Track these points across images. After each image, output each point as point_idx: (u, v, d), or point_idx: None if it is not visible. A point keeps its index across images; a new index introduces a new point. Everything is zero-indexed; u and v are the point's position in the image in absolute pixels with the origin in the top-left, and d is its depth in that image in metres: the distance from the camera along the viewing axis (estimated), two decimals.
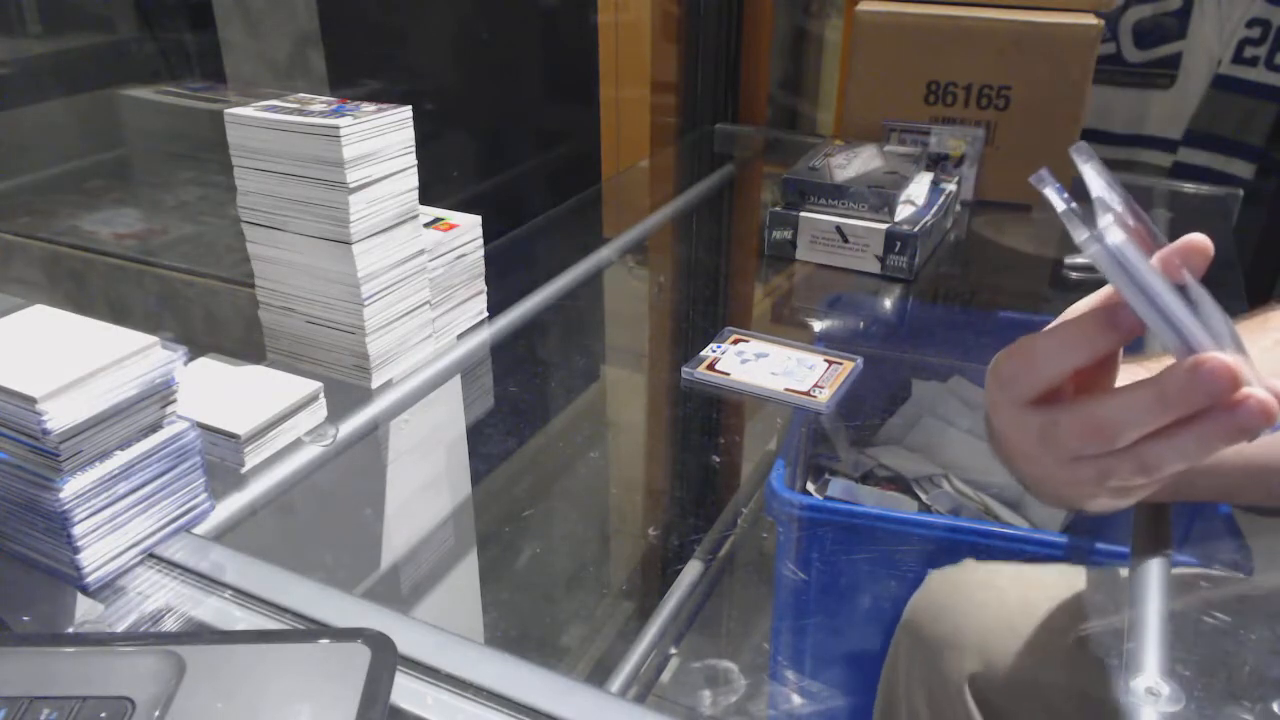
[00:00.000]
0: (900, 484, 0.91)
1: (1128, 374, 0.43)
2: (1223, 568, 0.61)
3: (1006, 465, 0.46)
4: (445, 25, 1.16)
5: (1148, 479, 0.39)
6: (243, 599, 0.49)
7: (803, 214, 1.05)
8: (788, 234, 1.06)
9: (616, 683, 0.75)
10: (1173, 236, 0.39)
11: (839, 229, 1.03)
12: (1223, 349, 0.35)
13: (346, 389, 0.71)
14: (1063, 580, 0.60)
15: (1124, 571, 0.58)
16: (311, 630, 0.47)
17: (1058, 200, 0.37)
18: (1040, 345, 0.40)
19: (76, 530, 0.48)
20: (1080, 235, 0.36)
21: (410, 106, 0.69)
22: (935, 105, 1.16)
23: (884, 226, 1.01)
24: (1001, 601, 0.57)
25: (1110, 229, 0.35)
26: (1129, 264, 0.35)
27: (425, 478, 0.79)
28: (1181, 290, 0.37)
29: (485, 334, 0.84)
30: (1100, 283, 0.40)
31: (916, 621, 0.59)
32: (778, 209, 1.06)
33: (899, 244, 1.01)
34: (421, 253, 0.74)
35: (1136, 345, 0.42)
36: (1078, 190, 0.39)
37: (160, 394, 0.51)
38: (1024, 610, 0.56)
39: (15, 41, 1.13)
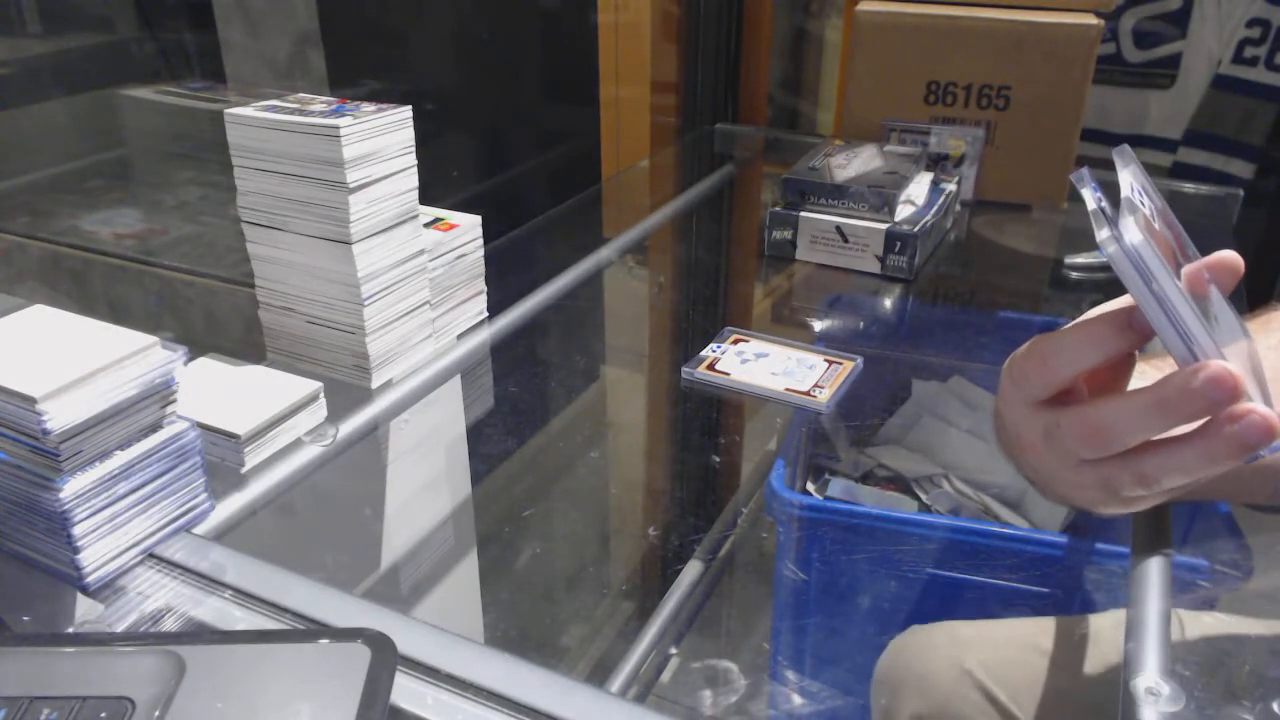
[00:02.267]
0: (900, 484, 0.91)
1: (1140, 375, 0.43)
2: (1223, 567, 0.61)
3: (1013, 461, 0.46)
4: (445, 25, 1.16)
5: (1148, 491, 0.39)
6: (243, 599, 0.49)
7: (803, 214, 1.05)
8: (788, 234, 1.06)
9: (616, 683, 0.75)
10: None
11: (839, 229, 1.03)
12: (1230, 364, 0.35)
13: (346, 389, 0.71)
14: (990, 635, 0.63)
15: (1049, 623, 0.61)
16: (311, 630, 0.47)
17: (1090, 199, 0.37)
18: (1054, 345, 0.40)
19: (76, 530, 0.48)
20: (1101, 234, 0.36)
21: (410, 106, 0.69)
22: (935, 105, 1.16)
23: (884, 226, 1.01)
24: (938, 656, 0.63)
25: (1129, 229, 0.35)
26: (1143, 266, 0.35)
27: (425, 478, 0.79)
28: (1202, 303, 0.37)
29: (485, 334, 0.84)
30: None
31: (879, 675, 0.65)
32: (778, 209, 1.06)
33: (899, 244, 1.01)
34: (421, 253, 0.74)
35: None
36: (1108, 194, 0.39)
37: (160, 394, 0.51)
38: (949, 664, 0.61)
39: (15, 41, 1.13)
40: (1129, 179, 0.39)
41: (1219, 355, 0.35)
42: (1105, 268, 0.99)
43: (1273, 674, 0.52)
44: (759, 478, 0.92)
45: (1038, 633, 0.61)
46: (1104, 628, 0.60)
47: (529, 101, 1.33)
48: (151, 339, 0.51)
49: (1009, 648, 0.61)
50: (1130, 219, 0.36)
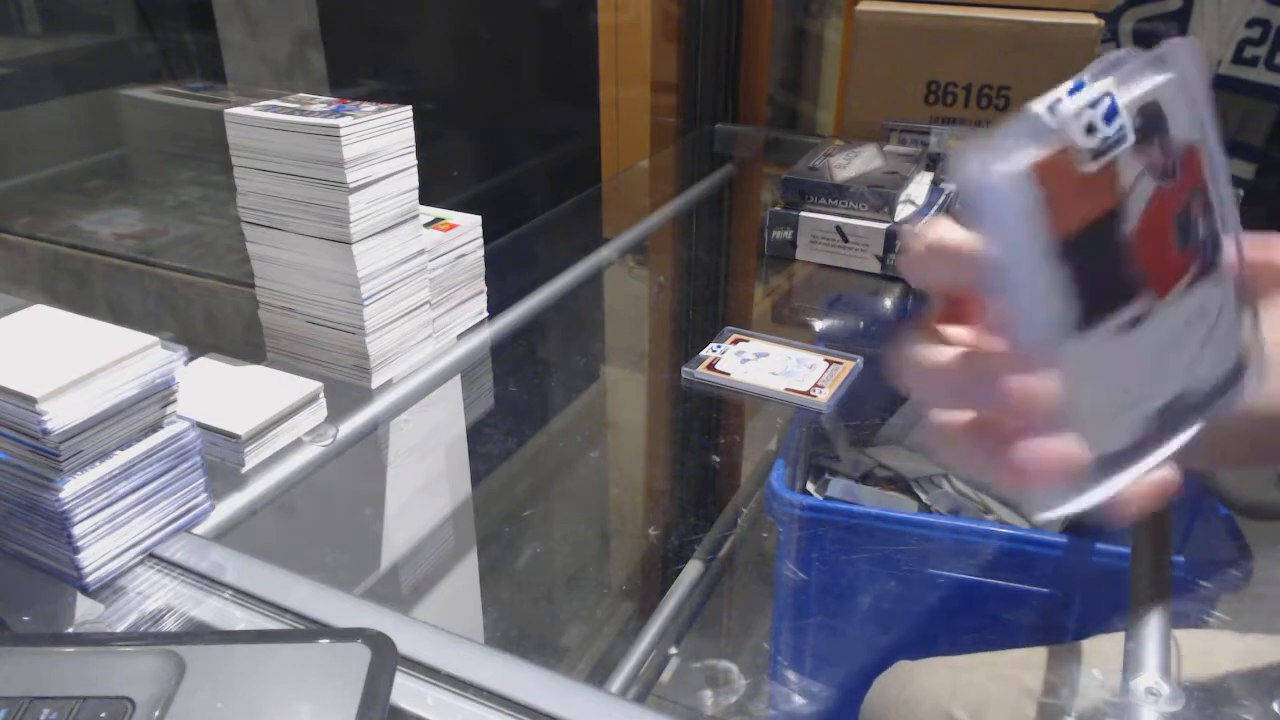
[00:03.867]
0: (900, 484, 0.91)
1: None
2: (1223, 567, 0.61)
3: None
4: (445, 25, 1.16)
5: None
6: (243, 599, 0.49)
7: (803, 214, 1.05)
8: (788, 234, 1.06)
9: (616, 683, 0.75)
10: None
11: (839, 229, 1.03)
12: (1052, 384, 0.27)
13: (346, 389, 0.71)
14: (975, 670, 0.63)
15: (1038, 654, 0.61)
16: (311, 630, 0.47)
17: (1043, 109, 0.26)
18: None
19: (76, 530, 0.48)
20: (972, 158, 0.25)
21: (410, 106, 0.69)
22: (935, 105, 1.16)
23: (884, 226, 1.01)
24: (920, 696, 0.63)
25: (1007, 155, 0.25)
26: (995, 211, 0.25)
27: (425, 478, 0.79)
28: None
29: (485, 334, 0.84)
30: None
31: (864, 712, 0.66)
32: (778, 209, 1.06)
33: (899, 244, 1.01)
34: (421, 253, 0.74)
35: None
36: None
37: (160, 394, 0.51)
38: (931, 704, 0.61)
39: (15, 41, 1.13)
40: (1141, 89, 0.26)
41: (1053, 363, 0.26)
42: None
43: (1272, 675, 0.52)
44: (759, 478, 0.92)
45: (1024, 663, 0.61)
46: (1092, 653, 0.59)
47: (529, 102, 1.33)
48: (151, 339, 0.51)
49: (994, 684, 0.60)
50: (1028, 143, 0.25)
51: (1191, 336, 0.28)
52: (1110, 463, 0.29)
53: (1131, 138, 0.26)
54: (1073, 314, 0.26)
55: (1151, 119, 0.26)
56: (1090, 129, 0.26)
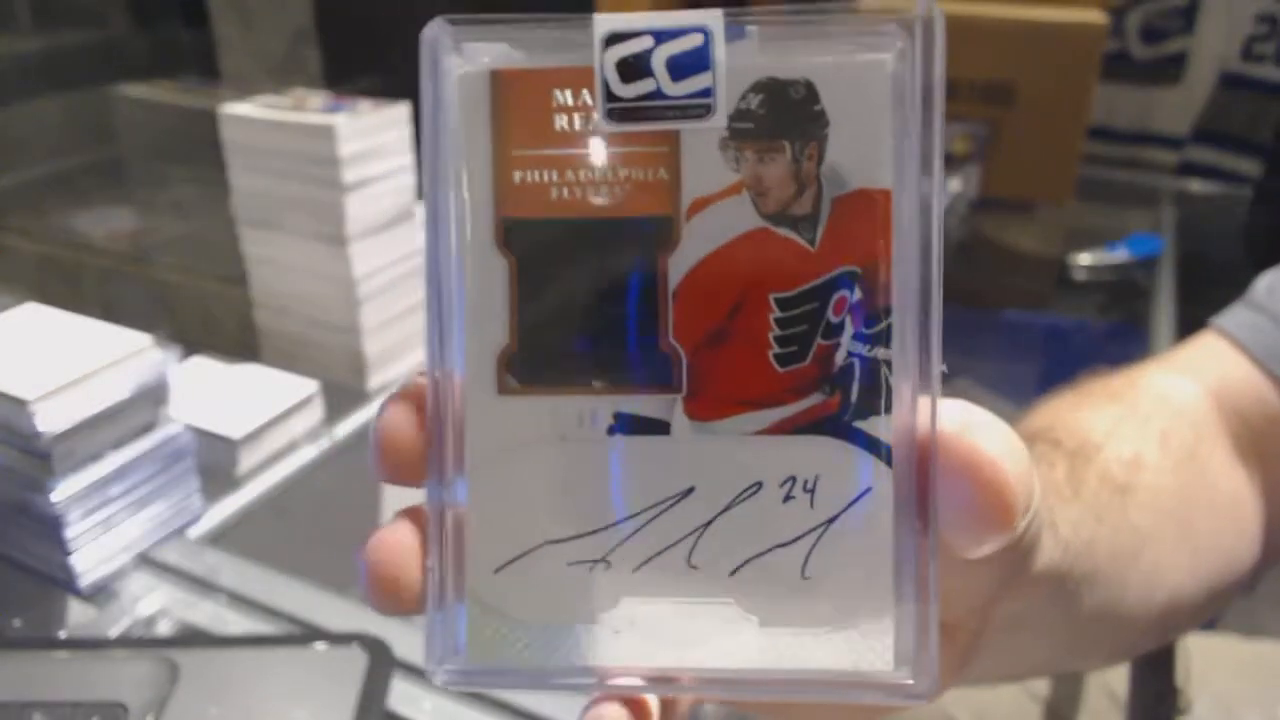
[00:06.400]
0: None
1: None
2: None
3: None
4: None
5: None
6: (237, 603, 0.49)
7: None
8: None
9: None
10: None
11: None
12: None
13: (343, 390, 0.71)
14: None
15: None
16: (307, 634, 0.46)
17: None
18: None
19: (69, 533, 0.48)
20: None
21: (408, 103, 0.69)
22: None
23: None
24: None
25: (483, 48, 0.17)
26: (435, 120, 0.17)
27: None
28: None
29: None
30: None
31: None
32: None
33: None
34: (420, 251, 0.73)
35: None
36: None
37: (154, 395, 0.51)
38: (930, 705, 0.59)
39: (6, 37, 1.12)
40: (799, 57, 0.16)
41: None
42: (1112, 267, 0.98)
43: (1274, 683, 0.51)
44: None
45: None
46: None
47: None
48: (146, 339, 0.51)
49: (996, 686, 0.60)
50: (538, 49, 0.16)
51: (746, 520, 0.17)
52: (551, 638, 0.17)
53: (720, 119, 0.16)
54: (527, 349, 0.17)
55: (789, 112, 0.16)
56: (630, 71, 0.16)
